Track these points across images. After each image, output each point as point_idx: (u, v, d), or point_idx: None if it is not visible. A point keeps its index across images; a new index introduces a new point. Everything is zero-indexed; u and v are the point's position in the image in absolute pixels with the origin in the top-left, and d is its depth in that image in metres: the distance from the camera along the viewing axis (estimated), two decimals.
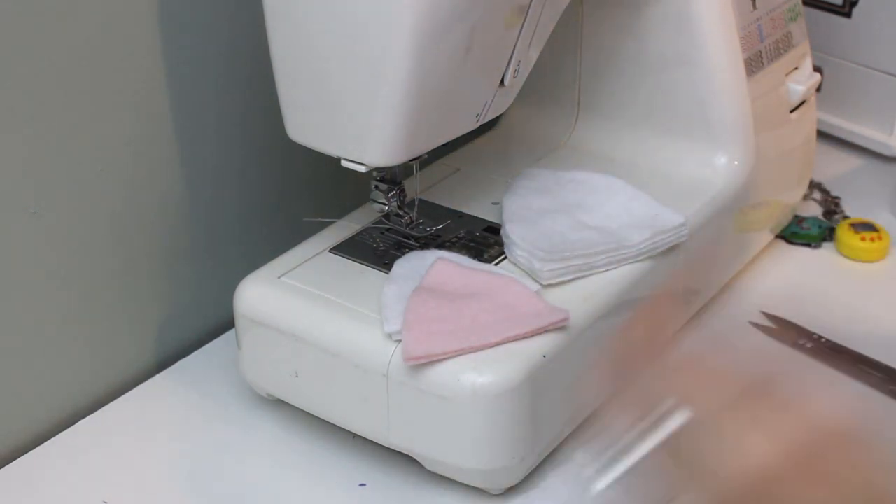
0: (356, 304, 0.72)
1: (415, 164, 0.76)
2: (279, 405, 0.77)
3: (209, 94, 0.81)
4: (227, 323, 0.82)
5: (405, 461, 0.72)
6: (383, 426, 0.71)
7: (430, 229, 0.79)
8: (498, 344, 0.68)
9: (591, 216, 0.79)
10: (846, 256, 0.94)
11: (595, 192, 0.81)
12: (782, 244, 0.96)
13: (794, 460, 0.59)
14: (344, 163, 0.70)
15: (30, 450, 0.76)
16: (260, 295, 0.74)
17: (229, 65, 0.82)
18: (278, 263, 0.76)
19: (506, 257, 0.77)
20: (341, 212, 0.81)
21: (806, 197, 1.00)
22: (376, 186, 0.77)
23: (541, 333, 0.69)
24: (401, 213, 0.77)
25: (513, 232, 0.76)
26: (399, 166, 0.74)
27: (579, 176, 0.83)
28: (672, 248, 0.78)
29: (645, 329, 0.77)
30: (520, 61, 0.72)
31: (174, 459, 0.75)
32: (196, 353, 0.84)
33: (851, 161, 1.05)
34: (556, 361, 0.70)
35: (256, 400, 0.79)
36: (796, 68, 0.93)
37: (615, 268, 0.76)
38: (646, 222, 0.78)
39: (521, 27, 0.71)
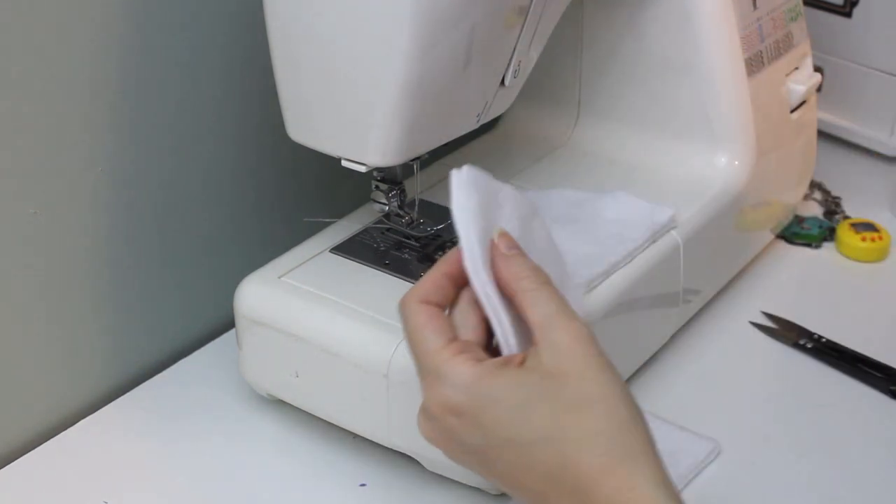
0: (356, 304, 0.72)
1: (415, 164, 0.76)
2: (279, 405, 0.77)
3: (210, 94, 0.81)
4: (227, 323, 0.82)
5: (405, 461, 0.72)
6: (383, 426, 0.71)
7: (431, 229, 0.78)
8: None
9: (583, 224, 0.78)
10: (846, 256, 0.94)
11: (577, 204, 0.80)
12: (782, 244, 0.96)
13: None
14: (344, 163, 0.70)
15: (30, 450, 0.76)
16: (260, 295, 0.74)
17: (230, 65, 0.82)
18: (278, 263, 0.76)
19: None
20: (341, 212, 0.81)
21: (806, 197, 1.00)
22: (376, 186, 0.77)
23: None
24: (401, 213, 0.77)
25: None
26: (399, 166, 0.74)
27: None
28: (672, 248, 0.78)
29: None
30: (520, 61, 0.72)
31: (174, 459, 0.75)
32: (196, 353, 0.84)
33: (852, 161, 1.05)
34: None
35: (256, 400, 0.79)
36: (797, 68, 0.93)
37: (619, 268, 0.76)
38: (638, 218, 0.78)
39: (522, 27, 0.70)
